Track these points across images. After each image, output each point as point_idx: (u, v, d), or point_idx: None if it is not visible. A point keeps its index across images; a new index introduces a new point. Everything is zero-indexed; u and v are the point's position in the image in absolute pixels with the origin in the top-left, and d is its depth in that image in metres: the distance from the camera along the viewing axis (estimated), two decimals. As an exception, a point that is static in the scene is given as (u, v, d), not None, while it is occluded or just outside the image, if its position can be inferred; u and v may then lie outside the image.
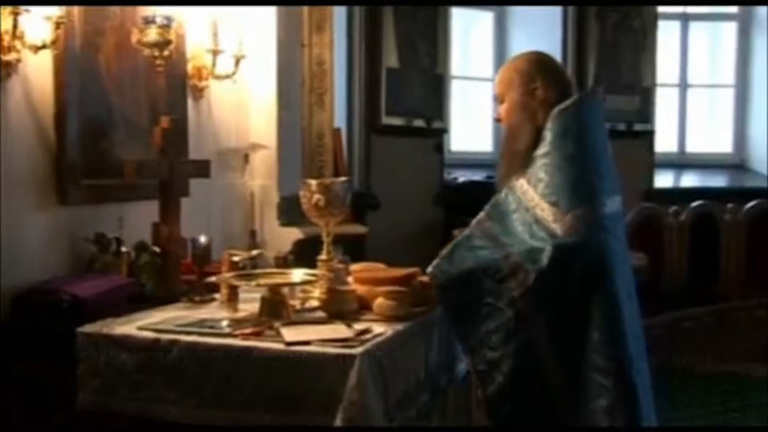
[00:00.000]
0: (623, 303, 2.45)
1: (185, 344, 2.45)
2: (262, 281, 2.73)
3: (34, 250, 2.98)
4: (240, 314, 2.72)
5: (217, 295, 2.91)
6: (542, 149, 2.53)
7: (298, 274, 2.78)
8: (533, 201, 2.50)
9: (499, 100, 2.71)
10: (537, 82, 2.62)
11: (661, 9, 7.44)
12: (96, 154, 3.24)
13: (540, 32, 7.13)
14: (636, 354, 2.46)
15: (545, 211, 2.45)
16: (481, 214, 2.63)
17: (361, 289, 2.78)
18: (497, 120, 2.75)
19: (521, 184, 2.55)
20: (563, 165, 2.48)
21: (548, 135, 2.53)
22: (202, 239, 3.01)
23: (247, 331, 2.48)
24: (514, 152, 2.62)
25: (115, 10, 3.33)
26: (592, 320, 2.39)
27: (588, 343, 2.38)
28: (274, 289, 2.67)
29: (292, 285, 2.75)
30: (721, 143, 8.24)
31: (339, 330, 2.48)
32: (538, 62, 2.68)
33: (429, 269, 2.60)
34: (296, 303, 2.80)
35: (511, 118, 2.66)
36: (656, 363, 5.48)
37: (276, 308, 2.64)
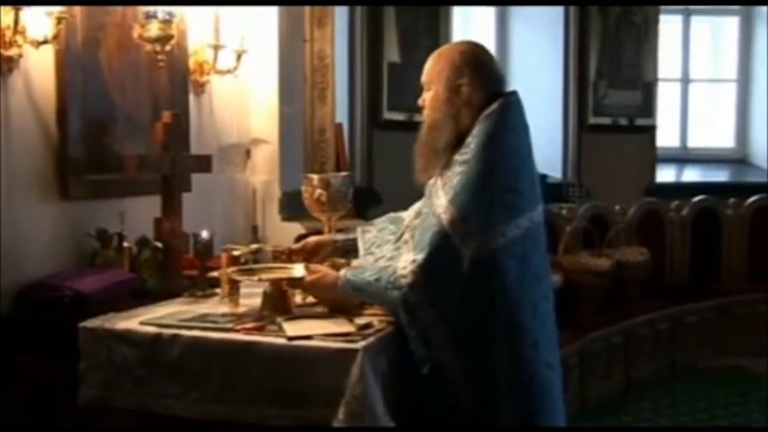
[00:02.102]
0: (530, 324, 2.41)
1: (187, 339, 2.45)
2: (264, 276, 2.73)
3: (37, 245, 2.98)
4: (241, 309, 2.73)
5: (218, 290, 2.92)
6: (463, 156, 2.44)
7: (299, 269, 2.78)
8: (442, 208, 2.42)
9: (425, 87, 2.60)
10: (464, 79, 2.51)
11: (663, 3, 7.43)
12: (97, 149, 3.23)
13: (541, 26, 7.13)
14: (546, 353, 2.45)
15: (454, 226, 2.37)
16: (406, 235, 2.59)
17: (362, 283, 2.77)
18: (420, 107, 2.63)
19: (437, 188, 2.48)
20: (480, 180, 2.39)
21: (471, 142, 2.44)
22: (204, 234, 3.01)
23: (249, 326, 2.48)
24: (433, 148, 2.53)
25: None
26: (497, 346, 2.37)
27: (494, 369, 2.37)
28: (276, 283, 2.67)
29: (293, 280, 2.75)
30: (723, 138, 8.23)
31: (341, 325, 2.48)
32: (470, 57, 2.55)
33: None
34: (298, 298, 2.80)
35: (434, 112, 2.56)
36: (659, 358, 5.56)
37: (277, 303, 2.64)
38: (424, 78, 2.62)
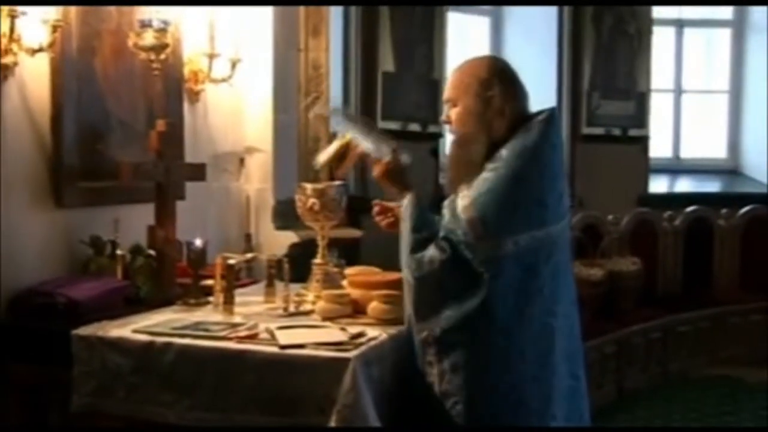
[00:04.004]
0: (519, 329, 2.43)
1: (180, 347, 2.46)
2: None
3: (30, 253, 2.98)
4: (236, 317, 2.73)
5: (211, 299, 2.92)
6: (494, 162, 2.45)
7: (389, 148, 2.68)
8: (462, 208, 2.44)
9: (451, 103, 2.60)
10: (494, 91, 2.51)
11: (656, 15, 7.47)
12: (92, 156, 3.24)
13: (536, 37, 7.15)
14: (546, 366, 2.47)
15: (472, 226, 2.40)
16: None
17: (355, 292, 2.79)
18: (445, 123, 2.64)
19: (463, 195, 2.48)
20: (506, 186, 2.41)
21: (504, 153, 2.45)
22: (198, 242, 3.01)
23: (242, 334, 2.49)
24: (468, 162, 2.52)
25: (112, 12, 3.34)
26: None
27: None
28: (351, 143, 2.66)
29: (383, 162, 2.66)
30: (716, 149, 8.26)
31: (333, 333, 2.49)
32: (496, 69, 2.57)
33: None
34: (291, 306, 2.81)
35: (465, 126, 2.55)
36: (652, 367, 5.56)
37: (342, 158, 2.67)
38: (448, 94, 2.61)
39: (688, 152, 8.19)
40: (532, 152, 2.45)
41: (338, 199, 2.95)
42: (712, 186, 7.89)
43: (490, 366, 2.40)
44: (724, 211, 6.57)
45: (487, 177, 2.44)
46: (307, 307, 2.82)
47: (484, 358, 2.40)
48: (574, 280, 2.66)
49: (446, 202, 2.55)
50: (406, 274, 2.50)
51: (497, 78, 2.54)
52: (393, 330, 2.57)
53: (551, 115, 2.54)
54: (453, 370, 2.40)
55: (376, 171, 2.65)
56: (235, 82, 4.02)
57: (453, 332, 2.40)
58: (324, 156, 2.81)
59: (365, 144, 2.70)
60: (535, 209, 2.44)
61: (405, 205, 2.58)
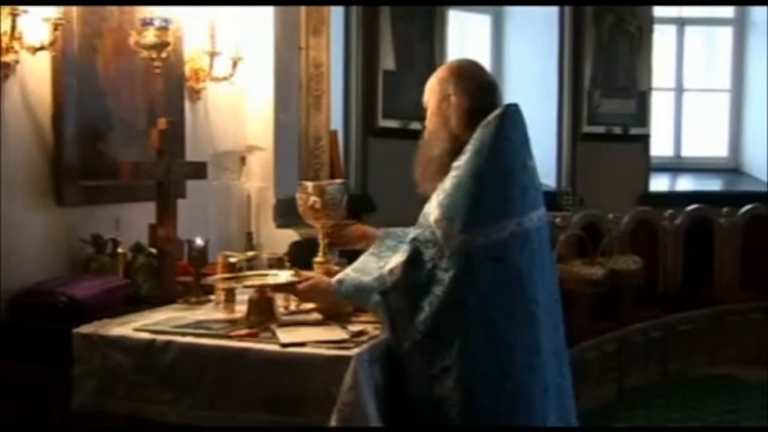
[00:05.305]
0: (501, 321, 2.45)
1: (181, 345, 2.46)
2: (249, 282, 2.73)
3: (31, 251, 2.98)
4: (235, 315, 2.74)
5: (212, 297, 2.93)
6: (458, 162, 2.53)
7: (285, 275, 2.78)
8: (431, 209, 2.52)
9: (425, 107, 2.72)
10: (451, 88, 2.63)
11: (657, 13, 7.47)
12: (93, 155, 3.24)
13: (536, 35, 7.15)
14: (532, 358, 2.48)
15: (439, 225, 2.47)
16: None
17: (356, 291, 2.78)
18: (424, 128, 2.74)
19: (433, 197, 2.56)
20: (468, 184, 2.48)
21: (467, 150, 2.53)
22: (199, 241, 3.02)
23: (243, 332, 2.49)
24: (429, 158, 2.64)
25: (113, 11, 3.34)
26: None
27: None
28: (262, 290, 2.67)
29: (281, 286, 2.75)
30: (717, 147, 8.26)
31: (334, 332, 2.49)
32: (456, 69, 2.69)
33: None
34: (293, 305, 2.81)
35: (429, 124, 2.69)
36: (652, 366, 5.57)
37: (263, 309, 2.65)
38: (424, 99, 2.73)
39: (688, 151, 8.19)
40: (489, 149, 2.51)
41: (339, 197, 2.95)
42: (712, 185, 7.89)
43: (477, 358, 2.41)
44: (724, 209, 6.57)
45: (453, 176, 2.52)
46: (309, 305, 2.82)
47: (470, 352, 2.41)
48: (557, 278, 2.71)
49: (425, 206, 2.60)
50: (375, 301, 2.51)
51: (454, 76, 2.66)
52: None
53: (505, 110, 2.58)
54: (444, 371, 2.40)
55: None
56: (236, 80, 4.02)
57: (433, 334, 2.41)
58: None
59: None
60: (499, 204, 2.50)
61: (339, 288, 2.61)
